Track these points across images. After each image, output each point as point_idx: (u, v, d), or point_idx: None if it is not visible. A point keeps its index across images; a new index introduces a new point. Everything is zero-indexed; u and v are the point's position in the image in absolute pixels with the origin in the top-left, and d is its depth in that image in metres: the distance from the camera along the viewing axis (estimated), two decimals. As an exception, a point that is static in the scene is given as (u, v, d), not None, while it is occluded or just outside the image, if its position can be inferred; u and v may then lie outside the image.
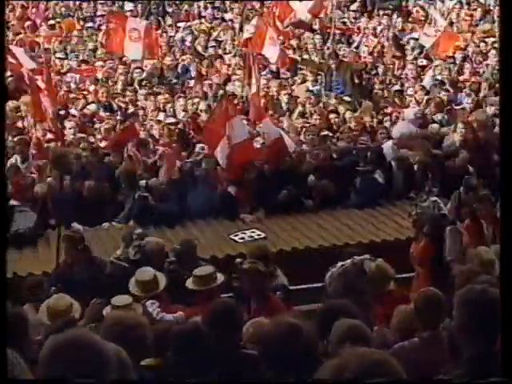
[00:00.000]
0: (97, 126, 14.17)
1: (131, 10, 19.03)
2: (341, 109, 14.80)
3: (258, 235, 10.69)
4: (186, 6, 20.38)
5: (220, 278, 7.56)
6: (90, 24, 19.37)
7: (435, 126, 13.83)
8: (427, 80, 16.23)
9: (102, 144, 13.21)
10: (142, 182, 11.39)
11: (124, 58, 16.57)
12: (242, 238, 10.55)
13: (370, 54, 17.97)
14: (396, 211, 11.57)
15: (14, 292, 7.80)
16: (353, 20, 20.24)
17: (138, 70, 16.42)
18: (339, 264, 7.00)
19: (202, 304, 7.09)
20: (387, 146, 12.84)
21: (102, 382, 2.72)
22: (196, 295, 7.53)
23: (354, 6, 20.50)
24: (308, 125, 13.98)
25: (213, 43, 18.24)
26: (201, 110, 14.61)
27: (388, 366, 2.16)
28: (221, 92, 15.45)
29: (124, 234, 9.53)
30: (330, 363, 2.18)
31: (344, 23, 19.60)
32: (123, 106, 15.09)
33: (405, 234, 10.33)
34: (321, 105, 15.18)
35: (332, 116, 14.49)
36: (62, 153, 9.93)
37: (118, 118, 14.39)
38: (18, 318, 5.50)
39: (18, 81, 14.14)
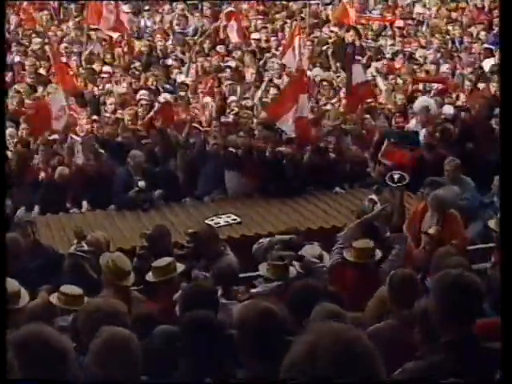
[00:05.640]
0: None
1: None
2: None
3: (234, 220, 10.63)
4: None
5: (180, 267, 7.38)
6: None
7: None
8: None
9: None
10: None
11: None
12: (217, 223, 10.43)
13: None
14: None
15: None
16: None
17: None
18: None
19: (162, 296, 7.03)
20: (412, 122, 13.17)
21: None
22: (157, 287, 7.33)
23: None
24: None
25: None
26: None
27: (362, 345, 2.11)
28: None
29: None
30: (303, 339, 2.11)
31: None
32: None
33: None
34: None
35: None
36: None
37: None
38: None
39: None
